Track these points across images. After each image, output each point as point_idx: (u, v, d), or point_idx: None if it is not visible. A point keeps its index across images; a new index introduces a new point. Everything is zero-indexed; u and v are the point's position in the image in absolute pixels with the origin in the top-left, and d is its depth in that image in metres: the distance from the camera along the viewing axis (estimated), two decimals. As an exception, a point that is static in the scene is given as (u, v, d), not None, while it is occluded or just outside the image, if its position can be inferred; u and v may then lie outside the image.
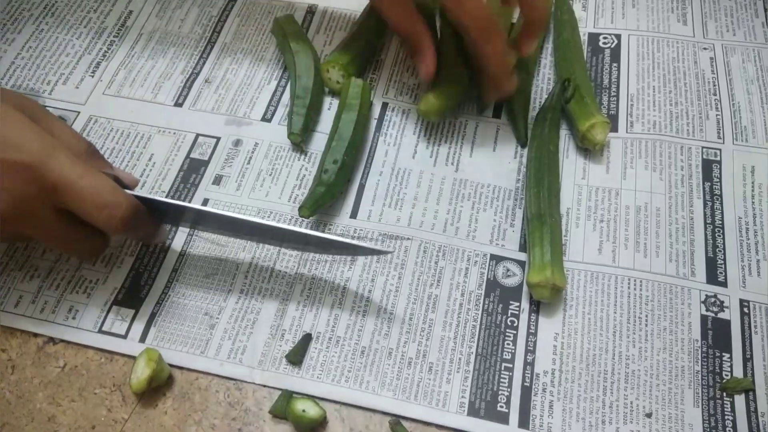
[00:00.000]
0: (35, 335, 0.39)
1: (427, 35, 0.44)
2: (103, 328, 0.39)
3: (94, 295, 0.41)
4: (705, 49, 0.51)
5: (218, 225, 0.40)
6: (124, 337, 0.39)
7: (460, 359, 0.38)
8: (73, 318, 0.40)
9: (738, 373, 0.37)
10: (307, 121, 0.46)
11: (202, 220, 0.40)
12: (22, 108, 0.37)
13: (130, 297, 0.40)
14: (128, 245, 0.42)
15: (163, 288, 0.41)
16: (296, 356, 0.38)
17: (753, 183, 0.44)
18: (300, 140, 0.46)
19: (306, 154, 0.46)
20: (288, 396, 0.36)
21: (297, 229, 0.38)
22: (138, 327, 0.39)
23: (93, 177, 0.35)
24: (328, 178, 0.43)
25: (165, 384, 0.38)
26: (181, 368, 0.38)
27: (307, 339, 0.39)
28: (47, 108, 0.49)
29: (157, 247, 0.42)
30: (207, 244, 0.42)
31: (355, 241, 0.39)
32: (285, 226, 0.38)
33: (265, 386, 0.38)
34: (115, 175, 0.38)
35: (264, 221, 0.38)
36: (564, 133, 0.47)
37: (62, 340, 0.39)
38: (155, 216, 0.39)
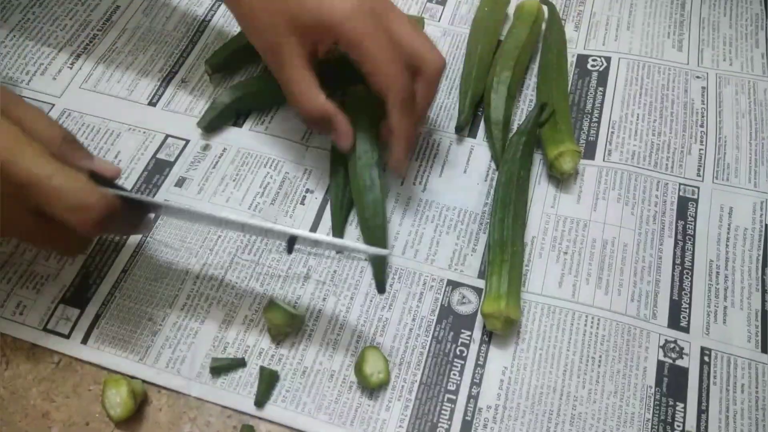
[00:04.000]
0: None
1: (339, 113, 0.41)
2: (48, 326, 0.39)
3: (43, 291, 0.40)
4: (698, 77, 0.49)
5: (192, 218, 0.40)
6: (67, 337, 0.39)
7: (402, 387, 0.37)
8: (20, 314, 0.40)
9: (691, 424, 0.36)
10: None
11: (178, 215, 0.40)
12: None
13: (78, 296, 0.40)
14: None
15: (110, 289, 0.40)
16: (218, 371, 0.37)
17: (729, 225, 0.42)
18: None
19: (274, 161, 0.46)
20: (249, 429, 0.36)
21: (286, 229, 0.36)
22: (82, 328, 0.39)
23: (64, 176, 0.33)
24: None
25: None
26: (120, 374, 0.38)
27: (239, 363, 0.38)
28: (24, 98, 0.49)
29: (110, 245, 0.42)
30: (159, 246, 0.42)
31: (346, 242, 0.39)
32: (276, 226, 0.36)
33: (202, 400, 0.37)
34: (93, 167, 0.36)
35: (254, 221, 0.36)
36: (539, 158, 0.45)
37: (6, 335, 0.39)
38: (135, 208, 0.37)
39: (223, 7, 0.54)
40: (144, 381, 0.37)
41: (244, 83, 0.48)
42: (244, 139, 0.47)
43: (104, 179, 0.36)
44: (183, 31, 0.53)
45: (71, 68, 0.50)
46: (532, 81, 0.49)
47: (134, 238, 0.42)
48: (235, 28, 0.53)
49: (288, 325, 0.38)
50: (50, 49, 0.51)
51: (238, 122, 0.48)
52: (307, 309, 0.40)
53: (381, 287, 0.40)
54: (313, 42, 0.40)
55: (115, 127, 0.47)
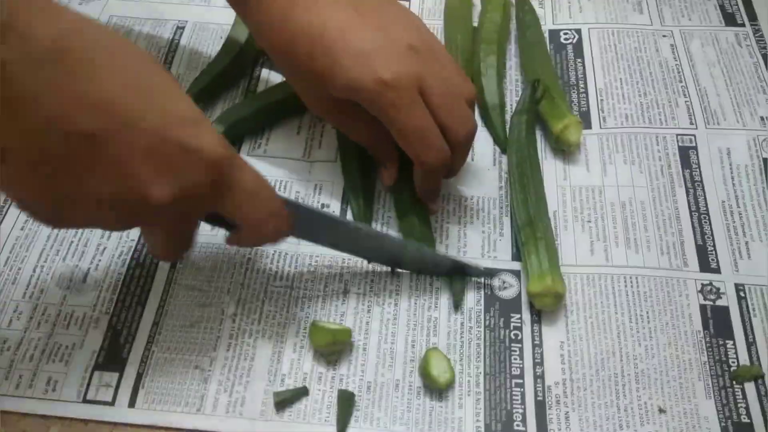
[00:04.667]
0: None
1: (389, 146, 0.41)
2: (88, 397, 0.37)
3: (72, 361, 0.38)
4: (664, 36, 0.51)
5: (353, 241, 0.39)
6: (112, 404, 0.36)
7: (469, 381, 0.37)
8: (53, 390, 0.37)
9: (743, 358, 0.38)
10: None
11: (336, 232, 0.39)
12: None
13: (112, 359, 0.38)
14: (102, 302, 0.40)
15: (146, 344, 0.38)
16: (282, 405, 0.36)
17: (731, 165, 0.44)
18: None
19: (281, 182, 0.44)
20: None
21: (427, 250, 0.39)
22: (125, 391, 0.37)
23: (261, 184, 0.34)
24: None
25: None
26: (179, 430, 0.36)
27: (302, 392, 0.37)
28: None
29: (133, 299, 0.40)
30: (186, 291, 0.40)
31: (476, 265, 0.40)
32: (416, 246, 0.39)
33: (270, 437, 0.36)
34: None
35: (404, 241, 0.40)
36: (539, 134, 0.46)
37: (43, 416, 0.36)
38: None
39: (188, 31, 0.52)
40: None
41: (233, 110, 0.46)
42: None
43: None
44: (150, 66, 0.50)
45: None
46: (512, 62, 0.50)
47: (156, 290, 0.40)
48: (205, 54, 0.51)
49: (333, 343, 0.37)
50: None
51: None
52: (354, 323, 0.39)
53: (458, 305, 0.40)
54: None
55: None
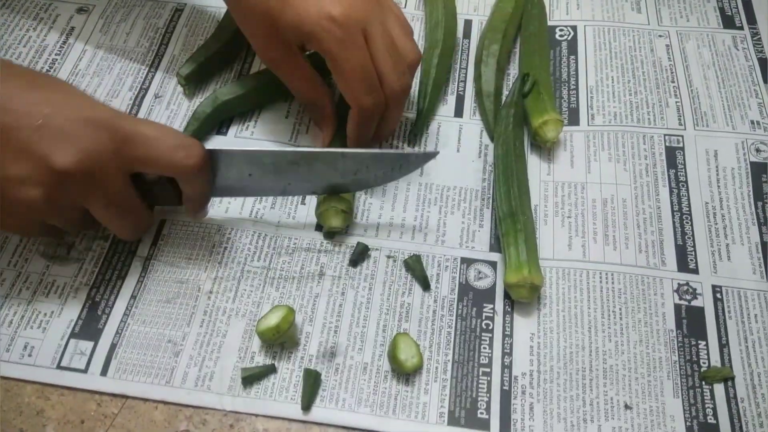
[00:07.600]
0: None
1: (329, 105, 0.43)
2: (62, 364, 0.37)
3: (50, 329, 0.38)
4: (660, 36, 0.51)
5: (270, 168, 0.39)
6: (85, 371, 0.37)
7: (436, 368, 0.37)
8: (29, 356, 0.38)
9: (715, 359, 0.37)
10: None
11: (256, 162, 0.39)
12: None
13: (88, 329, 0.38)
14: (83, 273, 0.40)
15: (122, 317, 0.39)
16: (250, 381, 0.37)
17: (717, 167, 0.44)
18: None
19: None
20: None
21: (360, 150, 0.38)
22: (99, 360, 0.37)
23: (160, 127, 0.36)
24: None
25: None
26: (145, 400, 0.36)
27: (270, 369, 0.37)
28: None
29: (114, 274, 0.40)
30: (165, 267, 0.41)
31: (401, 150, 0.40)
32: (339, 149, 0.39)
33: (236, 412, 0.36)
34: None
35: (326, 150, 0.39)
36: (527, 129, 0.46)
37: (19, 380, 0.37)
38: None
39: (184, 15, 0.53)
40: (174, 403, 0.36)
41: (223, 90, 0.47)
42: (232, 146, 0.46)
43: None
44: (146, 46, 0.51)
45: (35, 97, 0.48)
46: (517, 56, 0.50)
47: (136, 266, 0.41)
48: (201, 36, 0.51)
49: (278, 334, 0.37)
50: (8, 80, 0.49)
51: (221, 131, 0.47)
52: (327, 305, 0.39)
53: (426, 285, 0.40)
54: (299, 42, 0.40)
55: (93, 151, 0.46)
